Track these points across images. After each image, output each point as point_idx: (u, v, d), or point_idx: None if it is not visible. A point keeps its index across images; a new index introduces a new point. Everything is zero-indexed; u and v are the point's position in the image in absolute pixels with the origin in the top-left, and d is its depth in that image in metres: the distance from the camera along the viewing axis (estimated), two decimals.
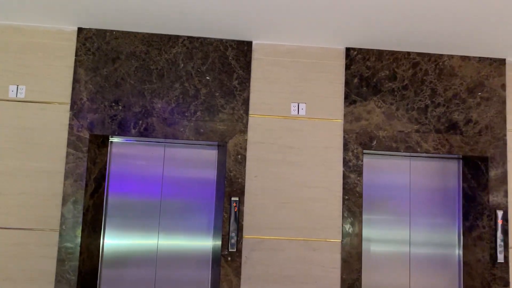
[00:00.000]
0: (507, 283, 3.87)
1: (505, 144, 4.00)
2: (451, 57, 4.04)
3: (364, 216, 4.06)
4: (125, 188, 3.99)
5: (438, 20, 3.33)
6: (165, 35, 3.81)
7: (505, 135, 4.01)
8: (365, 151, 3.98)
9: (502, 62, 4.08)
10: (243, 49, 3.86)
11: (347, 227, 3.79)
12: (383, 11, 3.21)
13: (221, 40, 3.85)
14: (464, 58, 4.05)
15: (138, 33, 3.80)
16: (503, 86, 4.05)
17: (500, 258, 3.88)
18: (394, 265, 4.18)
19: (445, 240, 4.26)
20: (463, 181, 4.27)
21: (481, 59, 4.06)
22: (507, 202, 3.94)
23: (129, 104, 3.72)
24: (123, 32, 3.78)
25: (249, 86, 3.84)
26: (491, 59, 4.06)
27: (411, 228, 4.24)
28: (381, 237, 4.20)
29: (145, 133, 3.72)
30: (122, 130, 3.70)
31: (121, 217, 3.95)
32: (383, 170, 4.28)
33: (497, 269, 3.88)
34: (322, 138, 3.87)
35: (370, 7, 3.17)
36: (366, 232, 4.12)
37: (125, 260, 3.93)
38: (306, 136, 3.86)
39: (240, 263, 3.65)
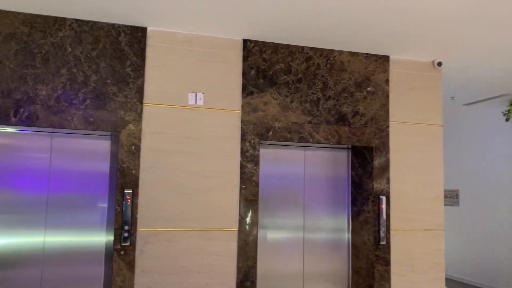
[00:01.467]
0: (388, 263, 4.22)
1: (388, 135, 4.34)
2: (341, 52, 4.27)
3: (261, 204, 4.18)
4: (7, 183, 3.66)
5: (329, 16, 3.50)
6: (51, 16, 3.54)
7: (388, 126, 4.35)
8: (261, 141, 4.07)
9: (386, 59, 4.41)
10: (137, 35, 3.72)
11: (244, 215, 3.86)
12: (278, 4, 3.29)
13: (113, 25, 3.67)
14: (352, 54, 4.31)
15: (19, 13, 3.48)
16: (387, 81, 4.39)
17: (383, 240, 4.22)
18: (289, 250, 4.36)
19: (336, 225, 4.53)
20: (351, 169, 4.56)
21: (368, 56, 4.35)
22: (389, 188, 4.30)
23: (8, 90, 3.40)
24: (0, 11, 3.44)
25: (143, 74, 3.71)
26: (376, 55, 4.37)
27: (305, 215, 4.44)
28: (277, 225, 4.35)
29: (28, 122, 3.43)
30: (0, 119, 3.37)
31: (1, 214, 3.62)
32: (279, 160, 4.42)
33: (380, 250, 4.21)
34: (220, 129, 3.88)
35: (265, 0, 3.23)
36: (263, 220, 4.24)
37: (8, 260, 3.62)
38: (204, 126, 3.85)
39: (134, 257, 3.54)
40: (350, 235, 4.51)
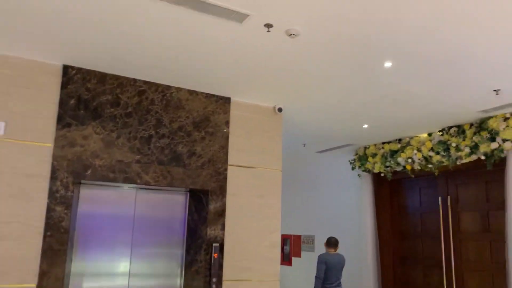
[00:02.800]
0: None
1: (225, 178, 4.14)
2: (179, 89, 4.04)
3: (79, 251, 3.63)
4: None
5: (169, 51, 3.24)
6: None
7: (226, 169, 4.16)
8: (83, 181, 3.58)
9: (227, 100, 4.28)
10: None
11: (46, 269, 3.26)
12: (102, 31, 2.94)
13: None
14: (192, 92, 4.10)
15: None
16: (227, 123, 4.24)
17: None
18: None
19: (169, 273, 4.13)
20: (188, 214, 4.25)
21: (208, 95, 4.18)
22: (223, 235, 4.05)
23: None
24: None
25: None
26: (217, 96, 4.23)
27: (132, 260, 3.97)
28: (97, 271, 3.81)
29: None
30: None
31: None
32: (105, 201, 3.94)
33: None
34: (24, 164, 3.31)
35: (84, 24, 2.85)
36: (80, 267, 3.67)
37: None
38: (3, 160, 3.25)
39: None
40: (182, 283, 4.13)
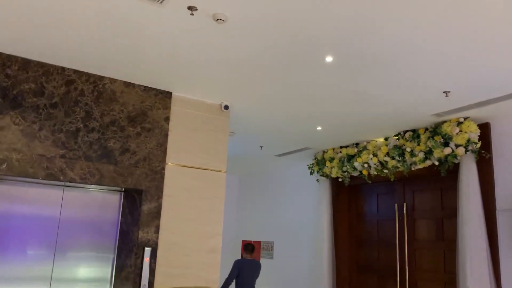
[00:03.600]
0: None
1: (162, 177, 3.88)
2: (113, 80, 3.77)
3: None
4: None
5: (94, 37, 2.97)
6: None
7: (163, 168, 3.90)
8: (3, 176, 3.27)
9: (168, 95, 4.03)
10: None
11: None
12: (19, 12, 2.66)
13: None
14: (128, 84, 3.84)
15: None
16: (167, 119, 3.98)
17: None
18: None
19: (98, 276, 3.84)
20: (122, 215, 3.97)
21: (146, 89, 3.92)
22: (157, 238, 3.77)
23: None
24: None
25: None
26: (157, 90, 3.97)
27: (55, 263, 3.66)
28: (15, 276, 3.49)
29: None
30: None
31: None
32: (26, 199, 3.62)
33: None
34: None
35: (3, 3, 2.58)
36: None
37: None
38: None
39: None
40: None
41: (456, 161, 4.47)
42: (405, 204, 5.38)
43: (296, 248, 6.94)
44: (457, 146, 4.37)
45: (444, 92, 3.71)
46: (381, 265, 5.64)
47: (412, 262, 5.19)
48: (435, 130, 4.59)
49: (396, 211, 5.45)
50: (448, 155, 4.44)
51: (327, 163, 6.00)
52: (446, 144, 4.45)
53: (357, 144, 5.67)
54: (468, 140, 4.31)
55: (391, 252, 5.49)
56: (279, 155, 6.64)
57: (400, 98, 3.93)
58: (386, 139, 5.24)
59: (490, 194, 4.31)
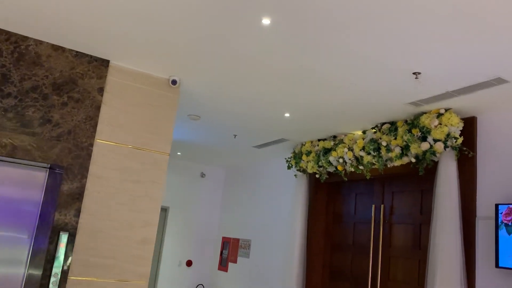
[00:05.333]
0: None
1: (89, 155, 3.45)
2: (39, 42, 3.35)
3: None
4: None
5: None
6: None
7: (91, 145, 3.46)
8: None
9: (105, 63, 3.60)
10: None
11: None
12: None
13: None
14: (57, 48, 3.42)
15: None
16: (101, 90, 3.55)
17: None
18: None
19: (12, 258, 3.43)
20: (45, 193, 3.55)
21: (79, 54, 3.49)
22: (77, 223, 3.34)
23: None
24: None
25: None
26: (92, 57, 3.54)
27: None
28: None
29: None
30: None
31: None
32: None
33: None
34: None
35: None
36: None
37: None
38: None
39: None
40: (28, 273, 3.42)
41: (436, 159, 3.90)
42: (382, 206, 4.81)
43: (271, 249, 6.43)
44: (435, 141, 3.80)
45: (414, 73, 3.16)
46: (354, 272, 5.09)
47: (386, 271, 4.63)
48: (413, 122, 4.03)
49: (372, 213, 4.89)
50: (426, 151, 3.88)
51: (304, 157, 5.48)
52: (424, 139, 3.89)
53: (334, 137, 5.13)
54: (448, 135, 3.74)
55: (365, 259, 4.93)
56: (258, 147, 6.15)
57: (362, 79, 3.39)
58: (364, 132, 4.69)
59: (471, 198, 3.73)
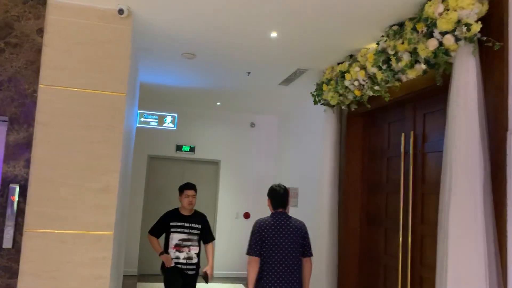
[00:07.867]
0: (15, 275, 3.11)
1: (34, 102, 3.23)
2: None
3: None
4: None
5: None
6: None
7: (35, 91, 3.23)
8: None
9: (42, 1, 3.29)
10: None
11: None
12: None
13: None
14: None
15: None
16: (40, 31, 3.27)
17: (8, 243, 3.11)
18: None
19: None
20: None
21: None
22: (27, 174, 3.18)
23: None
24: None
25: None
26: None
27: None
28: None
29: None
30: None
31: None
32: None
33: (2, 257, 3.10)
34: None
35: None
36: None
37: None
38: None
39: None
40: None
41: (451, 61, 2.89)
42: (412, 133, 3.87)
43: (316, 197, 5.80)
44: (443, 34, 2.80)
45: None
46: (388, 217, 4.26)
47: (418, 212, 3.75)
48: (419, 17, 3.03)
49: (402, 143, 3.97)
50: (436, 50, 2.89)
51: (324, 87, 4.68)
52: (431, 35, 2.90)
53: (351, 56, 4.24)
54: (458, 22, 2.70)
55: (397, 199, 4.08)
56: (283, 84, 5.48)
57: None
58: (378, 43, 3.75)
59: (499, 106, 2.69)
